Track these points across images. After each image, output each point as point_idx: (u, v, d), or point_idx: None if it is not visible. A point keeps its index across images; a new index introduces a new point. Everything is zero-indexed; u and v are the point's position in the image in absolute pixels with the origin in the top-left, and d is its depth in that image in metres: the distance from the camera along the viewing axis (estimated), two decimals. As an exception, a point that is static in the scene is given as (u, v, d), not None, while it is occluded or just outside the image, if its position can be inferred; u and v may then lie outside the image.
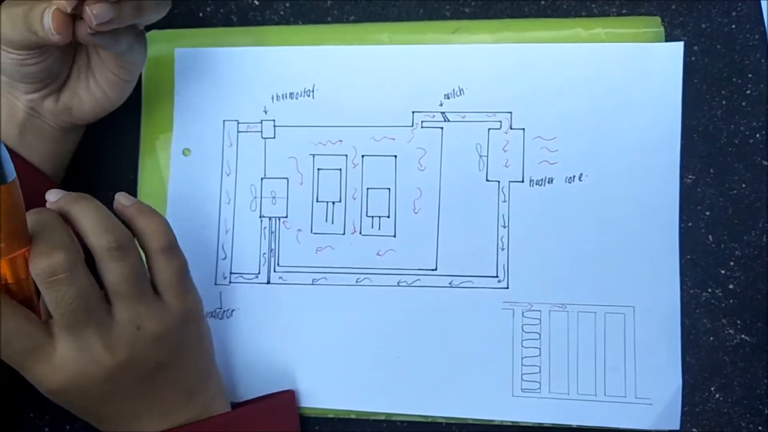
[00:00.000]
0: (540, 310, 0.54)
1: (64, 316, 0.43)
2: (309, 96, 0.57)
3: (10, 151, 0.52)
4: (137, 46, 0.51)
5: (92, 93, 0.52)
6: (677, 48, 0.54)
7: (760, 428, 0.54)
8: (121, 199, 0.48)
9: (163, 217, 0.48)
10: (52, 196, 0.46)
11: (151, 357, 0.46)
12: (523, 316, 0.54)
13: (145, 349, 0.46)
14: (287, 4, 0.59)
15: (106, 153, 0.58)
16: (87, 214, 0.45)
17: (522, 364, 0.54)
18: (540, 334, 0.54)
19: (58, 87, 0.51)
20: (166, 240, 0.48)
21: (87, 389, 0.45)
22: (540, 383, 0.54)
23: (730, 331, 0.54)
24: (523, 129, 0.55)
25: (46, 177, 0.53)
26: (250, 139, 0.57)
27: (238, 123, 0.57)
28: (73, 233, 0.44)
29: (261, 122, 0.57)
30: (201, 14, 0.60)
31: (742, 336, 0.54)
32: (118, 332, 0.45)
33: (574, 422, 0.54)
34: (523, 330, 0.54)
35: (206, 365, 0.51)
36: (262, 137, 0.57)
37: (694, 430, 0.54)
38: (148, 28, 0.59)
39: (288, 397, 0.54)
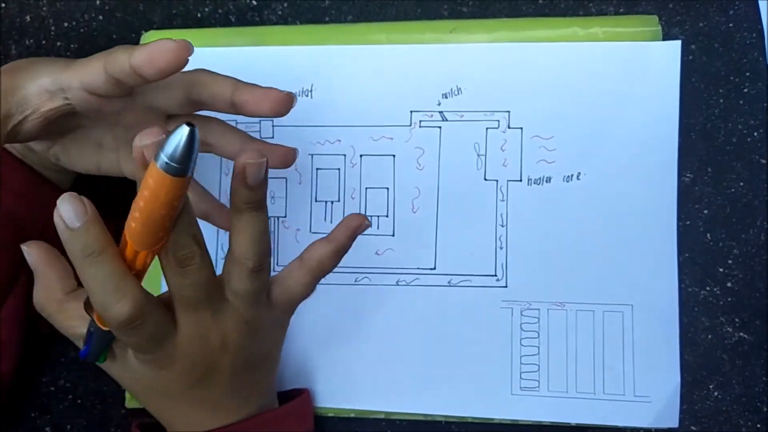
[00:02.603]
0: (538, 309, 0.54)
1: (188, 301, 0.42)
2: (307, 96, 0.57)
3: (15, 158, 0.52)
4: None
5: (88, 160, 0.51)
6: (675, 47, 0.54)
7: (758, 426, 0.54)
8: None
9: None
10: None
11: (252, 349, 0.46)
12: (521, 314, 0.54)
13: (251, 342, 0.45)
14: (285, 4, 0.59)
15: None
16: (250, 229, 0.41)
17: (521, 363, 0.54)
18: (539, 333, 0.54)
19: (51, 142, 0.50)
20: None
21: (199, 373, 0.45)
22: (539, 382, 0.54)
23: (729, 329, 0.54)
24: (521, 128, 0.55)
25: (49, 182, 0.53)
26: (248, 139, 0.57)
27: (237, 123, 0.57)
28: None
29: (259, 122, 0.57)
30: (199, 14, 0.60)
31: (741, 334, 0.54)
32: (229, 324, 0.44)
33: (573, 420, 0.54)
34: (521, 328, 0.54)
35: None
36: (260, 137, 0.57)
37: (692, 428, 0.54)
38: (148, 27, 0.59)
39: (305, 396, 0.54)
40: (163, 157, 0.33)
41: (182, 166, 0.33)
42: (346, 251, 0.46)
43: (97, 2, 0.60)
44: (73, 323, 0.44)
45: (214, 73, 0.47)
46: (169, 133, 0.33)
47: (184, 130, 0.32)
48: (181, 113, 0.48)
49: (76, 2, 0.61)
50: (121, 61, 0.40)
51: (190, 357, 0.44)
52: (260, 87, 0.45)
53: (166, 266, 0.40)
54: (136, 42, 0.59)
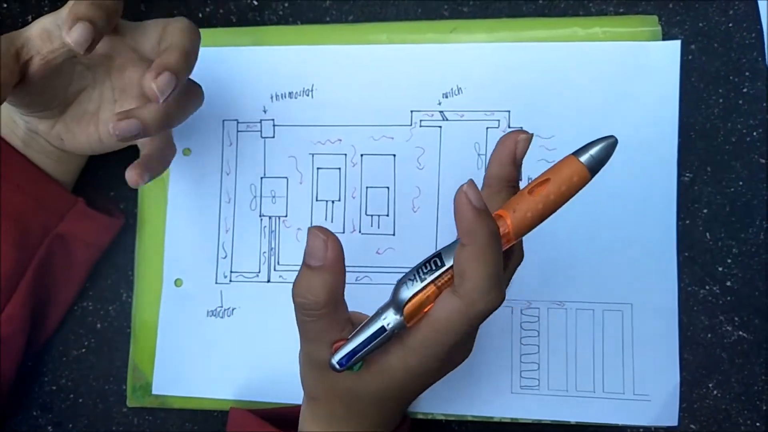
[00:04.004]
0: (539, 308, 0.55)
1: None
2: (308, 95, 0.57)
3: (20, 155, 0.52)
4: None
5: (89, 135, 0.52)
6: (675, 46, 0.55)
7: (757, 424, 0.54)
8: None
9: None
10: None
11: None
12: (521, 313, 0.55)
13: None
14: (286, 4, 0.59)
15: (107, 153, 0.58)
16: (481, 266, 0.38)
17: (521, 362, 0.54)
18: (539, 332, 0.54)
19: (54, 116, 0.51)
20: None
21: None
22: (539, 380, 0.54)
23: (728, 327, 0.55)
24: (521, 127, 0.55)
25: (53, 181, 0.54)
26: (249, 138, 0.58)
27: (238, 122, 0.58)
28: None
29: (260, 122, 0.57)
30: (200, 15, 0.60)
31: (740, 333, 0.54)
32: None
33: (573, 419, 0.54)
34: (522, 327, 0.55)
35: None
36: (261, 137, 0.57)
37: (692, 426, 0.54)
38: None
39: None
40: (592, 156, 0.37)
41: (601, 166, 0.38)
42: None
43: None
44: (335, 329, 0.41)
45: (181, 27, 0.48)
46: (596, 141, 0.38)
47: (613, 139, 0.37)
48: (152, 59, 0.48)
49: (78, 2, 0.61)
50: None
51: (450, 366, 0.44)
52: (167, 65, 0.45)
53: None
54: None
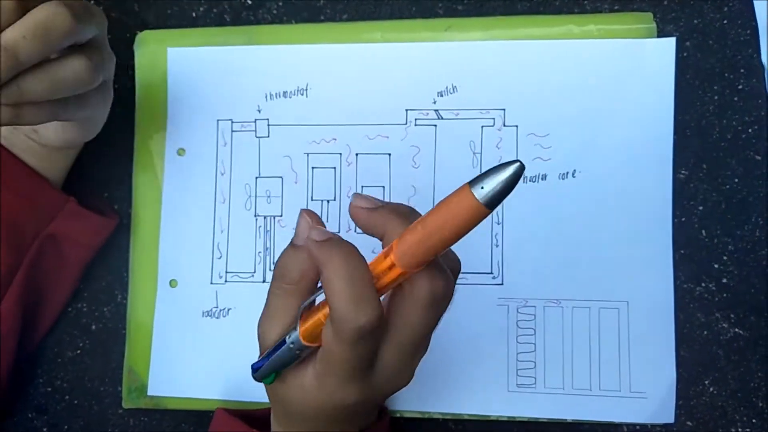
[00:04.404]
0: (535, 306, 0.55)
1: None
2: (302, 95, 0.57)
3: (9, 152, 0.52)
4: (102, 103, 0.50)
5: (62, 126, 0.50)
6: (670, 43, 0.54)
7: (753, 421, 0.54)
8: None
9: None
10: None
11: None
12: (517, 312, 0.55)
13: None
14: (280, 3, 0.59)
15: (101, 153, 0.58)
16: (337, 284, 0.37)
17: (517, 360, 0.54)
18: (535, 330, 0.54)
19: None
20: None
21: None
22: (535, 378, 0.54)
23: (724, 325, 0.55)
24: (517, 126, 0.55)
25: (43, 179, 0.53)
26: (244, 138, 0.57)
27: (232, 122, 0.58)
28: None
29: (255, 121, 0.57)
30: (194, 14, 0.60)
31: (736, 330, 0.54)
32: None
33: (569, 417, 0.54)
34: (518, 326, 0.55)
35: None
36: (256, 136, 0.57)
37: (688, 423, 0.54)
38: (142, 27, 0.59)
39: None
40: (487, 191, 0.32)
41: (500, 201, 0.32)
42: None
43: (91, 2, 0.60)
44: (290, 314, 0.41)
45: None
46: (495, 168, 0.32)
47: (514, 169, 0.31)
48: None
49: (71, 2, 0.61)
50: None
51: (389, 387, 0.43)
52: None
53: (407, 297, 0.38)
54: (131, 42, 0.59)
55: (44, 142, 0.52)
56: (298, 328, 0.39)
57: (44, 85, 0.41)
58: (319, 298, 0.39)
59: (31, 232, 0.54)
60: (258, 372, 0.42)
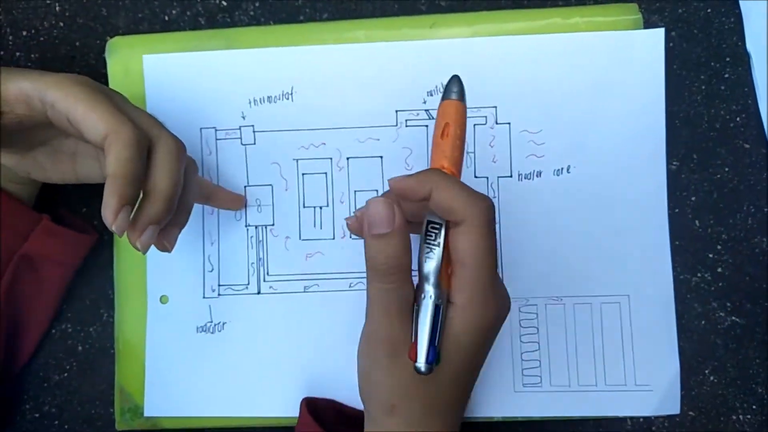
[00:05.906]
0: (536, 305, 0.54)
1: None
2: (288, 99, 0.55)
3: None
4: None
5: (63, 172, 0.50)
6: (658, 34, 0.54)
7: (754, 407, 0.55)
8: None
9: None
10: None
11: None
12: (519, 311, 0.54)
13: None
14: (257, 4, 0.57)
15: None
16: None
17: (522, 359, 0.54)
18: (538, 328, 0.54)
19: (20, 153, 0.48)
20: None
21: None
22: (541, 377, 0.54)
23: (721, 313, 0.55)
24: (509, 123, 0.54)
25: (13, 198, 0.51)
26: (229, 146, 0.55)
27: (216, 130, 0.56)
28: None
29: (240, 128, 0.55)
30: (166, 17, 0.57)
31: (733, 318, 0.55)
32: None
33: (576, 414, 0.54)
34: (521, 325, 0.54)
35: None
36: (241, 144, 0.55)
37: (690, 413, 0.55)
38: (113, 33, 0.57)
39: None
40: (454, 94, 0.44)
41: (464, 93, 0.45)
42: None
43: (57, 8, 0.58)
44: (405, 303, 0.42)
45: (169, 155, 0.45)
46: (449, 82, 0.44)
47: (456, 77, 0.45)
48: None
49: (34, 9, 0.58)
50: None
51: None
52: None
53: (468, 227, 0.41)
54: (101, 49, 0.56)
55: (38, 179, 0.50)
56: (432, 282, 0.41)
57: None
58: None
59: (5, 254, 0.51)
60: (435, 349, 0.41)
